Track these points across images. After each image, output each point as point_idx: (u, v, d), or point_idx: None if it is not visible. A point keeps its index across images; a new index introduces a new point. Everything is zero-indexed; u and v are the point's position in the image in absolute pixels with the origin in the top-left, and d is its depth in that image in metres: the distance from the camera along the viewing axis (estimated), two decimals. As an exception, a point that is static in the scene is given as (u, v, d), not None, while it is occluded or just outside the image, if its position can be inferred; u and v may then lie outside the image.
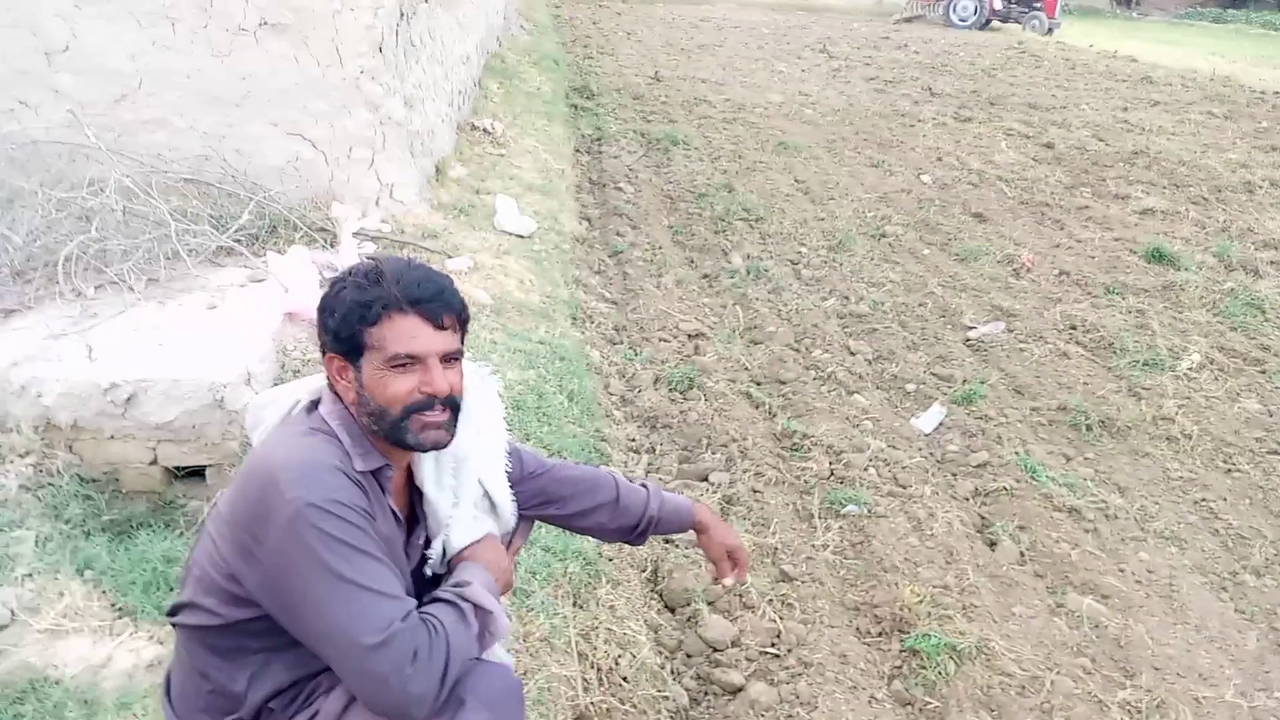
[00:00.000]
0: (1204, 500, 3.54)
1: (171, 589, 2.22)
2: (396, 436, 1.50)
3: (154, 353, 3.02)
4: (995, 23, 22.97)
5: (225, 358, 3.00)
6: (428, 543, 1.67)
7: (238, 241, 3.84)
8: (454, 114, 6.34)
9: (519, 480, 1.82)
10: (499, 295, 4.18)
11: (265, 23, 4.24)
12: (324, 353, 1.53)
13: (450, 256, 4.39)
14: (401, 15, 4.77)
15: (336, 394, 1.54)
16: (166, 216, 3.65)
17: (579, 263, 5.40)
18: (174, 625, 1.55)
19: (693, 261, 5.84)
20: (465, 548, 1.62)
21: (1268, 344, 4.97)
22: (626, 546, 2.58)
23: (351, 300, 1.48)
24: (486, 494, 1.72)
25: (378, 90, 4.54)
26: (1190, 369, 4.60)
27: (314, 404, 1.59)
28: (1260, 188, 8.30)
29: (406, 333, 1.48)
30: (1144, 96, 13.33)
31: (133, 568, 2.39)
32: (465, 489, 1.68)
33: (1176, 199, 7.78)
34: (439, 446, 1.55)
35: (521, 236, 5.06)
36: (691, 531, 1.97)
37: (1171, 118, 11.69)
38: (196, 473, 2.95)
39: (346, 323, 1.48)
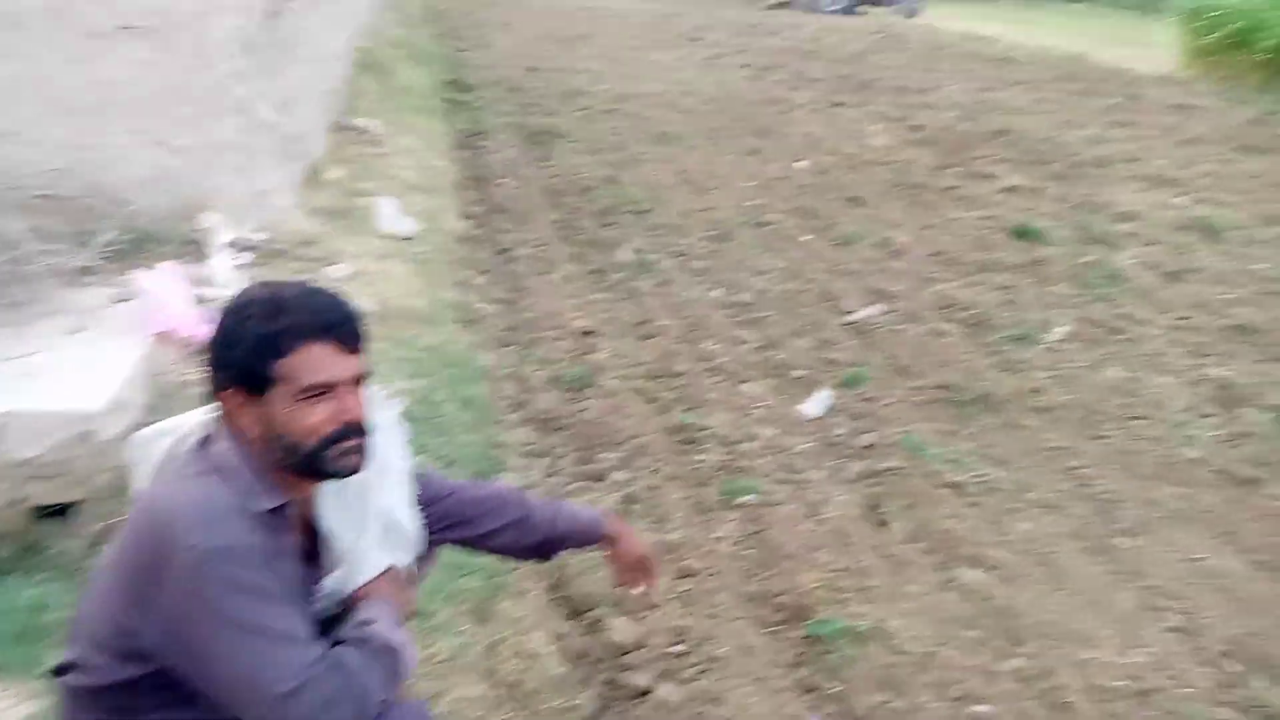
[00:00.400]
0: (1076, 468, 3.74)
1: (42, 640, 2.10)
2: (315, 467, 1.45)
3: (13, 383, 2.84)
4: (862, 7, 23.62)
5: (92, 385, 2.84)
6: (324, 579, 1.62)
7: (102, 259, 3.65)
8: (327, 114, 6.15)
9: (426, 504, 1.78)
10: (383, 302, 4.08)
11: (125, 26, 4.02)
12: (218, 389, 1.46)
13: (330, 263, 4.26)
14: (271, 14, 4.60)
15: (231, 430, 1.48)
16: (20, 236, 3.44)
17: (465, 263, 5.32)
18: (61, 685, 1.47)
19: (581, 256, 5.83)
20: (366, 584, 1.58)
21: (1128, 313, 5.26)
22: None
23: (258, 333, 1.40)
24: (393, 522, 1.69)
25: (247, 93, 4.37)
26: (1058, 341, 4.84)
27: (205, 440, 1.52)
28: (1114, 162, 8.78)
29: (319, 362, 1.42)
30: (1005, 76, 13.89)
31: None
32: (369, 520, 1.64)
33: (1038, 176, 8.15)
34: (357, 471, 1.50)
35: (404, 239, 4.95)
36: (602, 543, 1.97)
37: (1030, 96, 12.23)
38: (59, 512, 2.79)
39: (254, 357, 1.41)
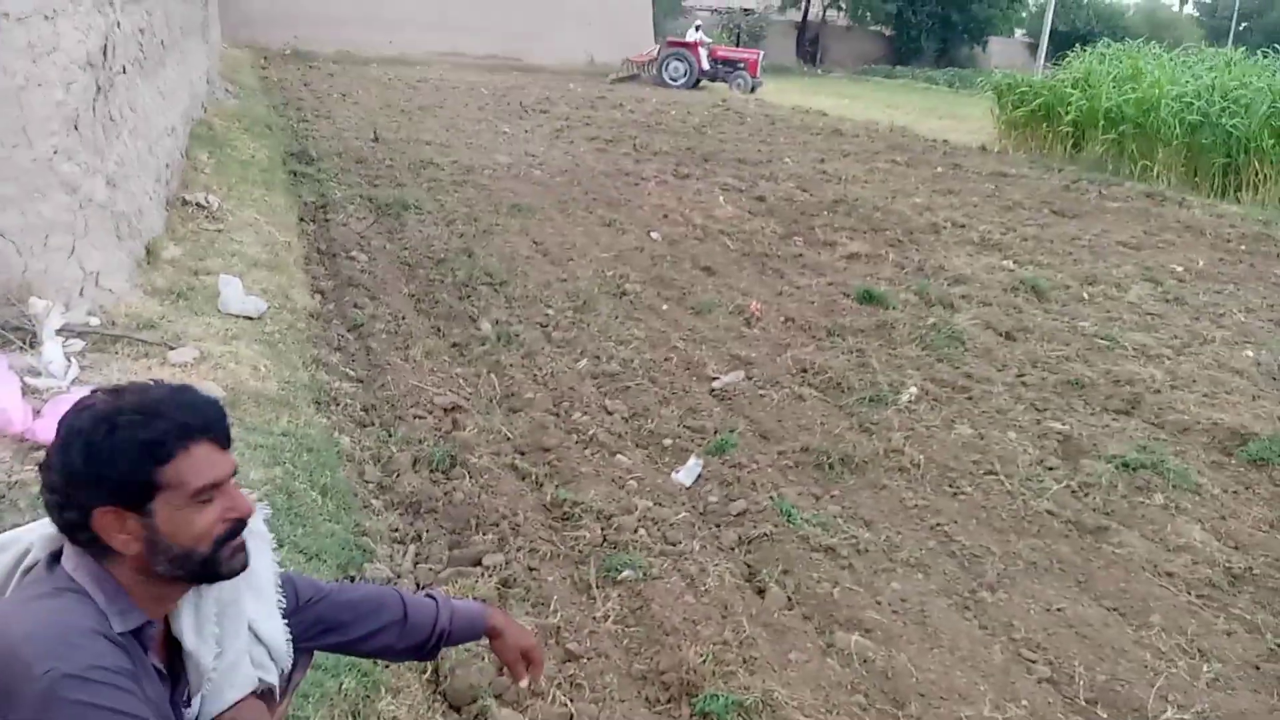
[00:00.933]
0: (938, 525, 3.86)
1: None
2: (210, 571, 1.40)
3: None
4: (704, 82, 24.62)
5: (-100, 493, 2.55)
6: (188, 699, 1.48)
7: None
8: (163, 190, 5.86)
9: (294, 611, 1.66)
10: (232, 386, 3.85)
11: (-67, 100, 3.73)
12: (84, 511, 1.32)
13: (172, 347, 4.01)
14: (98, 89, 4.35)
15: (93, 553, 1.34)
16: None
17: (317, 340, 5.11)
18: None
19: (440, 330, 5.70)
20: (233, 705, 1.45)
21: (970, 372, 5.54)
22: None
23: (136, 441, 1.31)
24: (260, 635, 1.56)
25: (75, 170, 4.11)
26: (909, 401, 5.04)
27: (52, 558, 1.38)
28: (944, 228, 9.35)
29: (203, 462, 1.36)
30: (836, 148, 14.68)
31: None
32: (230, 637, 1.50)
33: (877, 242, 8.58)
34: (245, 567, 1.44)
35: (251, 318, 4.72)
36: (485, 637, 1.88)
37: (862, 167, 12.95)
38: None
39: (135, 467, 1.31)
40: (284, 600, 1.63)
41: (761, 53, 26.04)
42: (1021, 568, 3.61)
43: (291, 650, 1.63)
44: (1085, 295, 7.39)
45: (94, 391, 1.41)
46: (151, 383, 1.43)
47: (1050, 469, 4.41)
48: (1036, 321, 6.59)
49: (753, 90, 24.02)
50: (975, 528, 3.88)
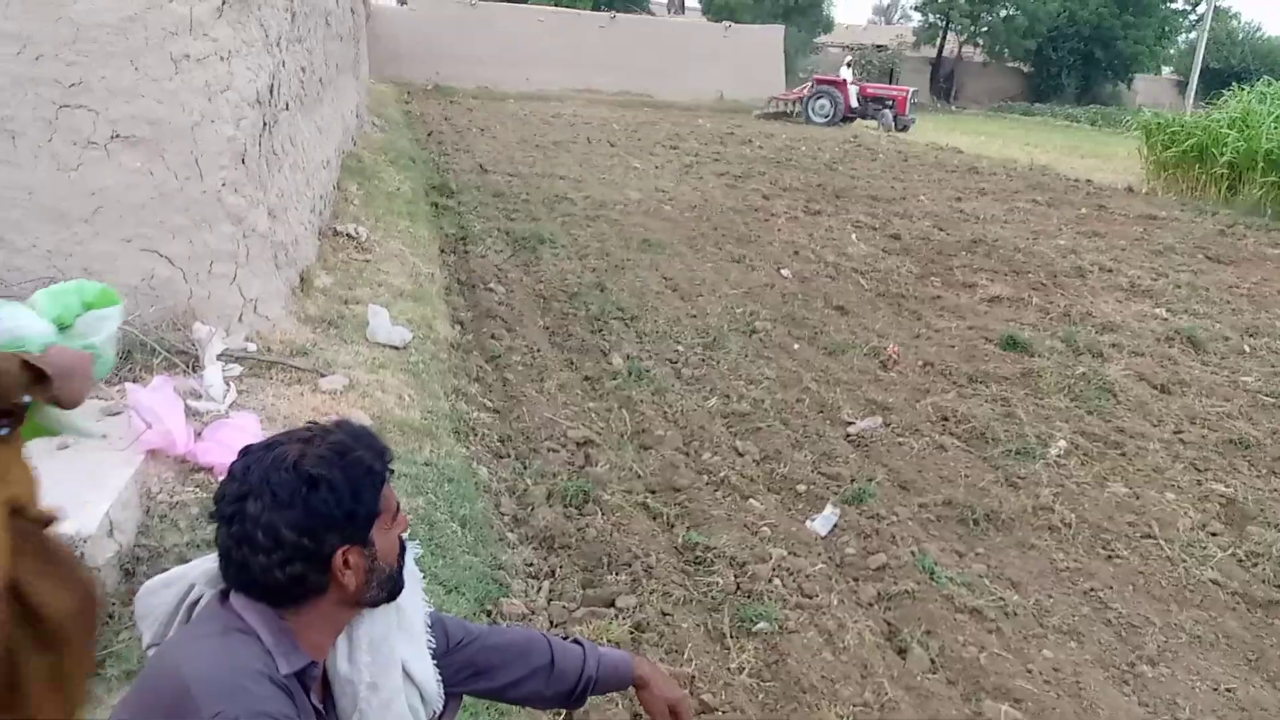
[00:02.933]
0: (1092, 590, 3.65)
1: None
2: (399, 586, 1.48)
3: None
4: (856, 120, 24.27)
5: (82, 505, 2.69)
6: None
7: (88, 370, 3.52)
8: (316, 220, 6.13)
9: (444, 653, 1.67)
10: (379, 415, 3.97)
11: (118, 135, 3.99)
12: (326, 556, 1.35)
13: (323, 374, 4.16)
14: (264, 125, 4.59)
15: (283, 601, 1.37)
16: (5, 347, 3.31)
17: (456, 370, 5.23)
18: None
19: (573, 363, 5.76)
20: None
21: (1123, 426, 5.25)
22: None
23: (367, 472, 1.39)
24: (409, 676, 1.56)
25: (241, 202, 4.32)
26: (1058, 456, 4.80)
27: (223, 594, 1.41)
28: (1091, 272, 8.95)
29: (390, 483, 1.47)
30: (973, 186, 14.29)
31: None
32: (383, 673, 1.51)
33: (1019, 285, 8.27)
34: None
35: (396, 348, 4.86)
36: (631, 688, 1.85)
37: (1001, 206, 12.55)
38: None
39: (372, 498, 1.40)
40: (434, 641, 1.63)
41: (912, 90, 25.44)
42: (1185, 641, 3.37)
43: (442, 692, 1.64)
44: (1247, 348, 6.93)
45: (271, 445, 1.42)
46: (313, 424, 1.47)
47: (1214, 535, 4.13)
48: (1194, 374, 6.21)
49: (904, 129, 23.54)
50: (1132, 595, 3.64)
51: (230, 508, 1.35)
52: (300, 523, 1.33)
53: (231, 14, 4.29)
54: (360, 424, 1.48)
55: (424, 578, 2.88)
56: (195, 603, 1.46)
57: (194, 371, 3.87)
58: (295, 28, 5.86)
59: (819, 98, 24.60)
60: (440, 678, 1.63)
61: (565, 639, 1.85)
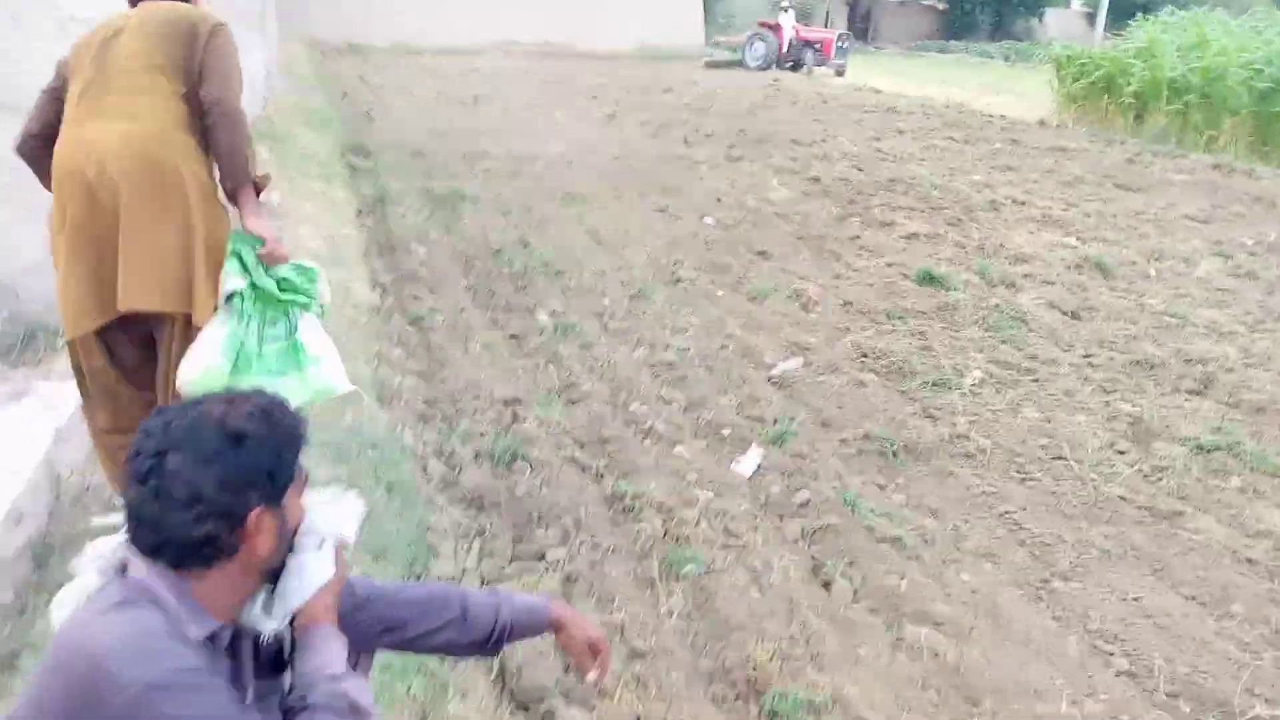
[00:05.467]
0: (1007, 513, 3.79)
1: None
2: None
3: (-107, 500, 2.60)
4: (791, 64, 24.03)
5: (-15, 495, 2.63)
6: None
7: (-12, 355, 3.41)
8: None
9: (351, 610, 1.68)
10: (298, 384, 3.91)
11: (6, 105, 3.81)
12: (240, 514, 1.35)
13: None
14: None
15: (186, 563, 1.35)
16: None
17: (378, 335, 5.17)
18: None
19: (498, 322, 5.72)
20: (308, 602, 1.47)
21: (1035, 353, 5.42)
22: None
23: (292, 433, 1.41)
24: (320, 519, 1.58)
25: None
26: (973, 385, 4.95)
27: (122, 567, 1.39)
28: (1004, 206, 9.14)
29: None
30: (891, 126, 14.41)
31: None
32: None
33: (935, 222, 8.41)
34: None
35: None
36: (549, 631, 1.89)
37: (918, 144, 12.69)
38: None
39: (290, 458, 1.40)
40: (342, 600, 1.64)
41: (839, 32, 25.17)
42: (1095, 556, 3.53)
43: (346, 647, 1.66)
44: (1152, 272, 7.18)
45: (191, 405, 1.41)
46: (231, 389, 1.46)
47: (1121, 453, 4.31)
48: (1102, 300, 6.42)
49: (839, 74, 23.42)
50: (1045, 515, 3.80)
51: (147, 463, 1.33)
52: (223, 478, 1.33)
53: None
54: (279, 396, 1.47)
55: (350, 547, 2.88)
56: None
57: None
58: None
59: (754, 42, 24.45)
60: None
61: (481, 589, 1.88)
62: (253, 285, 2.57)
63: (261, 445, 1.36)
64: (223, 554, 1.36)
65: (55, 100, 2.60)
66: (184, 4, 2.69)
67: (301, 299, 2.69)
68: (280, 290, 2.61)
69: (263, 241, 2.58)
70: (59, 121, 2.54)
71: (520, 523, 3.54)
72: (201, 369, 2.48)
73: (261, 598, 1.47)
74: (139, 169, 2.43)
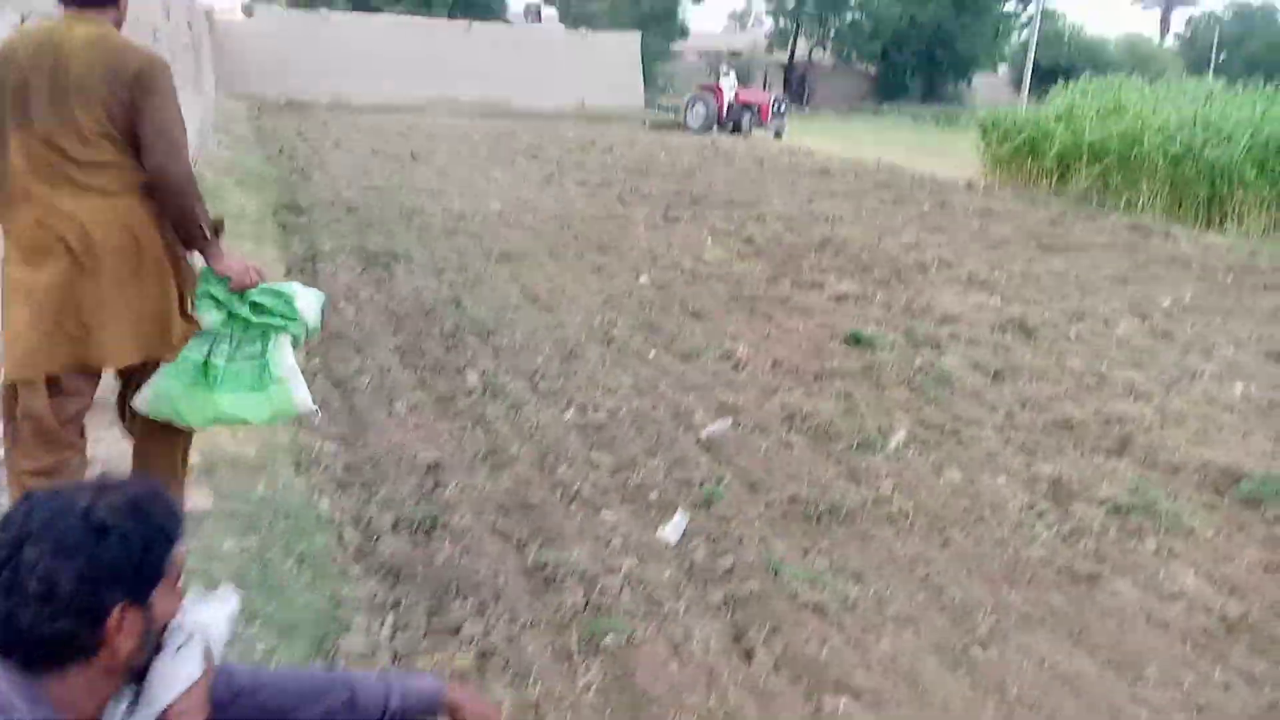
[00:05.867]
0: (929, 576, 3.80)
1: None
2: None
3: None
4: (730, 126, 24.52)
5: None
6: None
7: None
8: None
9: (230, 701, 1.62)
10: (209, 452, 3.81)
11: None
12: (100, 612, 1.29)
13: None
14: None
15: (41, 663, 1.29)
16: None
17: (300, 399, 5.06)
18: None
19: (425, 383, 5.66)
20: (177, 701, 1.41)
21: (959, 414, 5.51)
22: None
23: (160, 526, 1.36)
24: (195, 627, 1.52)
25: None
26: (898, 446, 4.99)
27: None
28: (932, 266, 9.36)
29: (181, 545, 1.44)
30: (824, 187, 14.77)
31: None
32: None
33: (864, 282, 8.58)
34: None
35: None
36: (443, 714, 1.84)
37: (850, 205, 13.01)
38: None
39: (158, 553, 1.35)
40: (216, 689, 1.58)
41: (773, 95, 25.74)
42: (1014, 620, 3.55)
43: None
44: (1073, 332, 7.38)
45: (58, 491, 1.36)
46: (106, 475, 1.41)
47: (1041, 514, 4.36)
48: (1025, 360, 6.56)
49: (778, 135, 23.98)
50: (966, 578, 3.81)
51: (1, 553, 1.27)
52: (82, 572, 1.27)
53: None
54: (156, 485, 1.43)
55: (256, 622, 2.78)
56: None
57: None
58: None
59: (695, 104, 24.95)
60: None
61: (372, 673, 1.83)
62: (230, 315, 2.88)
63: (127, 539, 1.30)
64: (80, 654, 1.30)
65: None
66: (120, 40, 2.76)
67: (277, 321, 2.95)
68: (254, 314, 2.88)
69: (228, 279, 2.86)
70: None
71: (437, 594, 3.46)
72: (153, 391, 2.85)
73: (126, 700, 1.40)
74: (119, 240, 2.70)
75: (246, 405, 2.92)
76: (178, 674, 1.41)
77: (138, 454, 3.11)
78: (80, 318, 2.68)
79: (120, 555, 1.30)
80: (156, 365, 2.87)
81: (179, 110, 2.80)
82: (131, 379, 2.97)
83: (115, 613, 1.30)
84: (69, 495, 1.33)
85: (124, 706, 1.39)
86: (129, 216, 2.72)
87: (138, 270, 2.74)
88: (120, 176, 2.71)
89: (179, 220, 2.78)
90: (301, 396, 3.07)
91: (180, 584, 1.43)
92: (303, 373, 5.45)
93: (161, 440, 3.06)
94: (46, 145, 2.64)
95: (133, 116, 2.67)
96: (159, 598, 1.36)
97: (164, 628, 1.40)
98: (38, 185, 2.65)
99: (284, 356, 3.01)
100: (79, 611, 1.27)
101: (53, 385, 2.73)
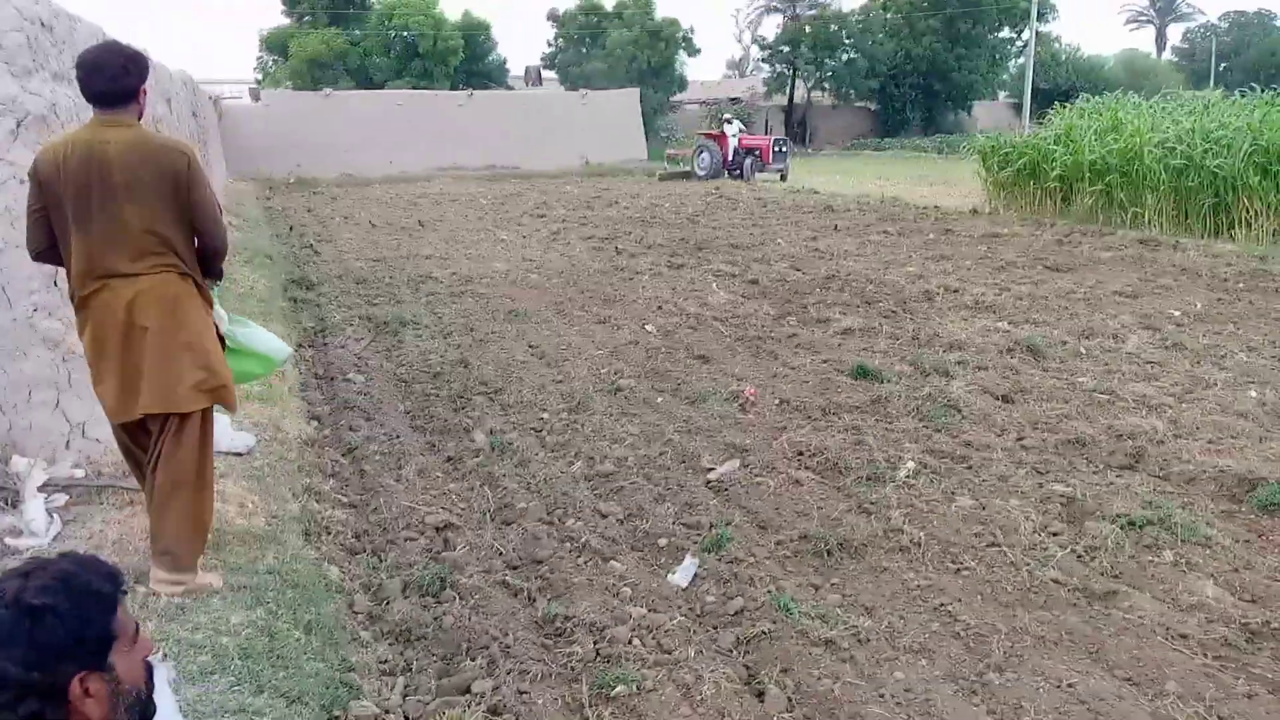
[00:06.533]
0: (942, 605, 3.76)
1: None
2: (150, 708, 1.47)
3: None
4: (738, 172, 24.62)
5: None
6: None
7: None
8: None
9: None
10: (217, 528, 3.83)
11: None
12: (62, 686, 1.33)
13: (157, 493, 4.01)
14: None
15: None
16: None
17: (309, 469, 5.11)
18: None
19: (434, 446, 5.70)
20: None
21: (969, 439, 5.48)
22: None
23: (93, 594, 1.37)
24: None
25: (57, 326, 4.19)
26: (907, 477, 4.97)
27: None
28: (937, 295, 9.36)
29: (125, 606, 1.45)
30: (828, 224, 14.84)
31: None
32: None
33: (870, 315, 8.59)
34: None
35: (240, 454, 4.73)
36: None
37: (854, 240, 13.06)
38: None
39: (103, 621, 1.38)
40: None
41: (775, 138, 25.81)
42: (1029, 643, 3.50)
43: None
44: (1083, 350, 7.34)
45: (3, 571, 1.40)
46: (35, 559, 1.44)
47: (1054, 535, 4.32)
48: (1034, 381, 6.53)
49: (782, 178, 24.08)
50: (980, 604, 3.77)
51: None
52: (27, 658, 1.30)
53: (29, 135, 4.19)
54: (87, 553, 1.46)
55: (263, 693, 2.79)
56: None
57: (14, 507, 3.69)
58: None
59: (701, 153, 25.21)
60: None
61: None
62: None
63: (61, 616, 1.33)
64: None
65: (43, 221, 3.29)
66: (155, 136, 3.43)
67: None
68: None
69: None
70: (53, 234, 3.29)
71: (448, 654, 3.46)
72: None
73: None
74: (160, 314, 3.30)
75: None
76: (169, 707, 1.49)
77: (157, 509, 3.37)
78: (130, 375, 3.30)
79: (60, 632, 1.32)
80: (178, 421, 3.37)
81: (210, 187, 3.44)
82: (154, 433, 3.41)
83: (75, 685, 1.33)
84: (7, 583, 1.36)
85: None
86: (170, 295, 3.32)
87: (176, 337, 3.33)
88: (165, 262, 3.31)
89: (211, 269, 3.56)
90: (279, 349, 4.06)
91: (140, 636, 1.47)
92: (312, 444, 5.54)
93: (176, 499, 3.34)
94: (103, 243, 3.23)
95: (181, 203, 3.30)
96: (118, 658, 1.39)
97: (144, 682, 1.44)
98: (94, 281, 3.25)
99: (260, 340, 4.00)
100: (39, 693, 1.30)
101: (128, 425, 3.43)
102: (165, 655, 2.81)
